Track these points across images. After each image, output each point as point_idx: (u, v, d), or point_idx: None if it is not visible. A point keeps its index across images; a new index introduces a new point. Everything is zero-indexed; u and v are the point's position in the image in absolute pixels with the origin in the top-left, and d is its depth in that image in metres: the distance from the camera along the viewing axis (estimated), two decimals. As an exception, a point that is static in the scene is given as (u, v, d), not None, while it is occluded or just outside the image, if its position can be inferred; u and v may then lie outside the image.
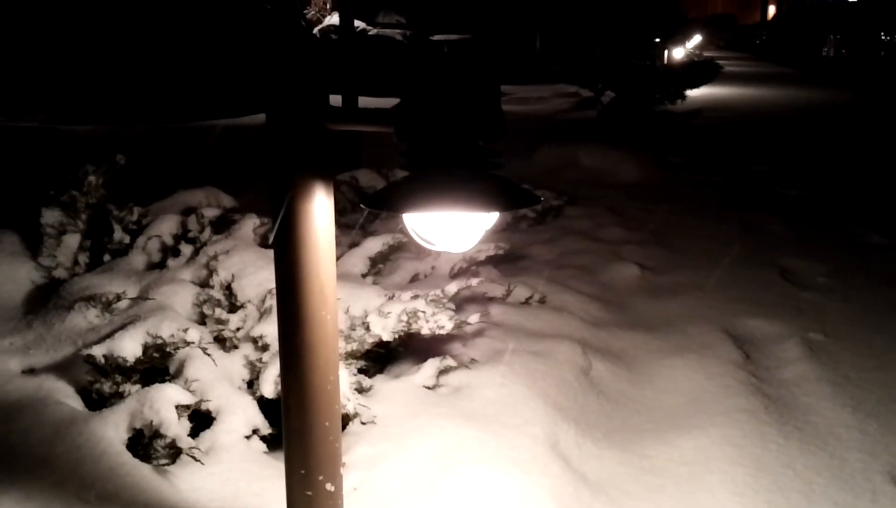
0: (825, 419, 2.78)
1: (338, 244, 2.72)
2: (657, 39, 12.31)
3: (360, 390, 2.47)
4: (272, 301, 2.49)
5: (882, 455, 2.56)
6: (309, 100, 1.49)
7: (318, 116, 1.49)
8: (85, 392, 2.32)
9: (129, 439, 2.10)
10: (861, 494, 2.35)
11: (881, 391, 2.99)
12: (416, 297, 2.65)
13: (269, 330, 2.41)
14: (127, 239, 3.03)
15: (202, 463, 2.06)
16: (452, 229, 1.38)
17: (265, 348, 2.42)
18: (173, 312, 2.48)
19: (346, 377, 2.31)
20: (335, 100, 5.80)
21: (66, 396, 2.25)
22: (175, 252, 2.96)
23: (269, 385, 2.28)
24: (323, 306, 1.58)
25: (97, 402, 2.30)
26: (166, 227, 3.05)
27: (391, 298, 2.65)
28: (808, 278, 4.29)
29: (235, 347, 2.49)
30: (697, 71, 11.71)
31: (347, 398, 2.27)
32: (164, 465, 2.08)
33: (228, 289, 2.64)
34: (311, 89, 1.50)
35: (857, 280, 4.25)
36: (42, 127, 8.64)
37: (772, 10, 44.08)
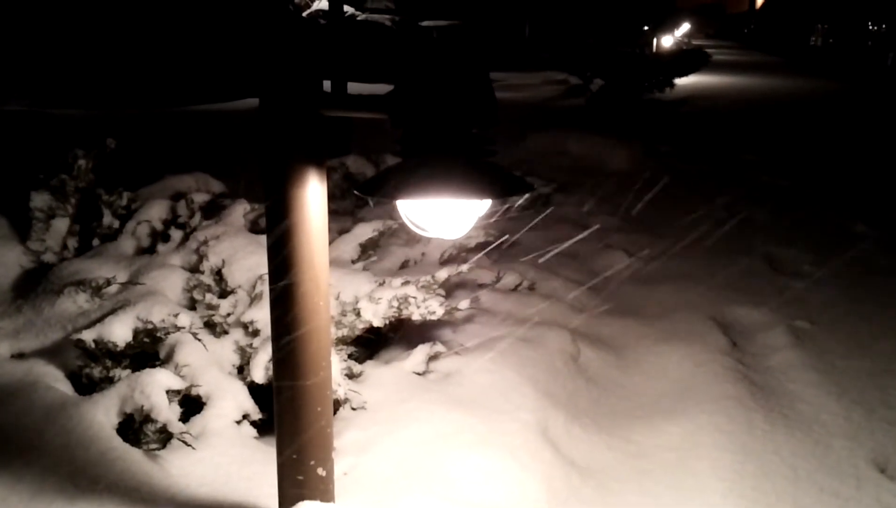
0: (811, 405, 2.81)
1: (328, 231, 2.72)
2: (646, 27, 12.35)
3: (351, 375, 2.48)
4: (263, 287, 2.48)
5: (866, 441, 2.60)
6: (303, 85, 1.49)
7: (313, 101, 1.49)
8: (75, 377, 2.32)
9: (120, 423, 2.10)
10: (846, 479, 2.39)
11: (866, 378, 3.03)
12: (406, 283, 2.65)
13: (260, 316, 2.41)
14: (116, 224, 3.01)
15: (193, 448, 2.07)
16: (446, 215, 1.38)
17: (256, 333, 2.42)
18: (163, 297, 2.47)
19: (336, 362, 2.31)
20: (324, 86, 5.78)
21: (56, 380, 2.25)
22: (165, 237, 2.95)
23: (260, 371, 2.28)
24: (316, 293, 1.59)
25: (87, 387, 2.29)
26: (156, 212, 3.03)
27: (382, 284, 2.65)
28: (795, 267, 4.33)
29: (226, 332, 2.48)
30: (686, 59, 11.75)
31: (338, 384, 2.27)
32: (154, 450, 2.08)
33: (219, 274, 2.63)
34: (305, 75, 1.50)
35: (842, 269, 4.28)
36: (30, 111, 8.56)
37: (760, -1, 44.14)
